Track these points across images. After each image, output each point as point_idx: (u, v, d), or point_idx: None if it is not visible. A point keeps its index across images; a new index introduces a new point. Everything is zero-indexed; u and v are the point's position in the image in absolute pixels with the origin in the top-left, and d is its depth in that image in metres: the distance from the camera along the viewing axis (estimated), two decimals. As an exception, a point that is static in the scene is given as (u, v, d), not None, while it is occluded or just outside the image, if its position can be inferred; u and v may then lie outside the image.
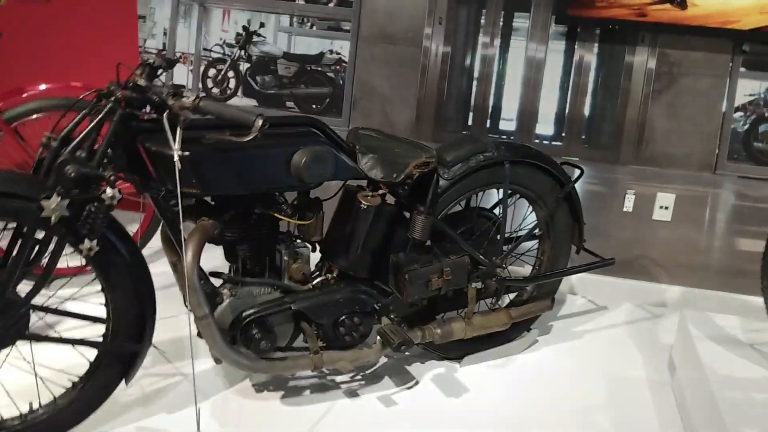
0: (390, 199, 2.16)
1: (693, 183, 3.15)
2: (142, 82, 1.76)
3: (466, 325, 2.33)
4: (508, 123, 3.26)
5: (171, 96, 1.69)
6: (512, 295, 2.63)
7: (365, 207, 2.03)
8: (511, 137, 3.27)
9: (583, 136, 3.20)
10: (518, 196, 2.48)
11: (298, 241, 2.14)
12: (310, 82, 3.35)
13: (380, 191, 2.07)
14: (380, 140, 2.21)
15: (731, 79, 3.02)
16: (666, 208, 3.18)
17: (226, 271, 2.11)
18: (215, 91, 3.36)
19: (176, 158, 1.69)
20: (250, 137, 1.64)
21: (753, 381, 2.10)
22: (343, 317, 2.14)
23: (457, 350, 2.49)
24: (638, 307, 3.04)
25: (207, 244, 1.94)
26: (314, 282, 2.13)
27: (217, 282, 2.04)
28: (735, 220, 3.12)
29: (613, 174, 3.24)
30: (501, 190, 2.39)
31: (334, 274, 2.17)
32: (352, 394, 2.28)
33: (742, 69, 3.01)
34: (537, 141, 3.25)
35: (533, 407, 2.29)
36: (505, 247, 2.40)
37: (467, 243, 2.36)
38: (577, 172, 2.51)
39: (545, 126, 3.23)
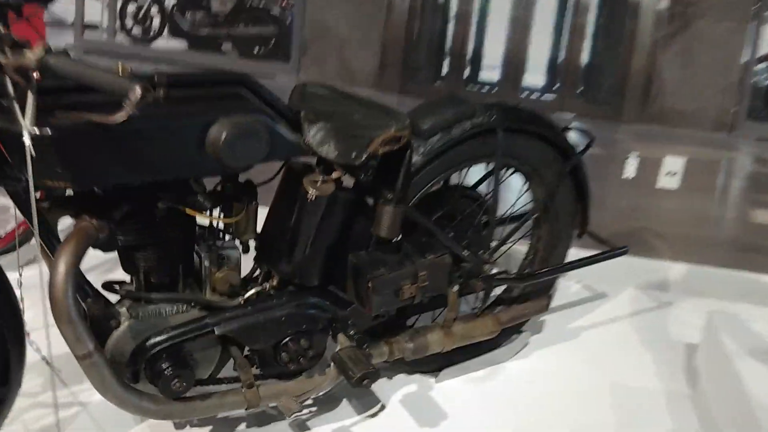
0: (348, 181, 1.62)
1: (706, 145, 2.67)
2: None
3: (445, 336, 1.84)
4: (490, 72, 2.71)
5: (9, 47, 1.11)
6: (499, 289, 2.14)
7: (313, 197, 1.49)
8: (494, 89, 2.72)
9: (580, 88, 2.68)
10: (512, 170, 1.96)
11: (225, 241, 1.59)
12: (250, 21, 2.74)
13: (334, 174, 1.51)
14: (335, 102, 1.64)
15: (755, 24, 2.52)
16: (673, 174, 2.71)
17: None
18: (136, 30, 2.73)
19: (26, 139, 1.13)
20: (122, 115, 1.07)
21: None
22: (287, 339, 1.62)
23: (433, 362, 2.00)
24: (643, 293, 2.59)
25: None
26: (246, 295, 1.60)
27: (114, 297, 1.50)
28: (753, 188, 2.66)
29: (613, 134, 2.75)
30: (491, 165, 1.87)
31: (274, 283, 1.64)
32: (301, 427, 1.79)
33: (771, 9, 2.51)
34: (525, 93, 2.72)
35: (525, 428, 1.83)
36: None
37: (447, 234, 1.85)
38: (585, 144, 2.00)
39: (535, 75, 2.70)
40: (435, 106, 1.75)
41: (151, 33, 2.69)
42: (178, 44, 2.79)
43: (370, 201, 1.64)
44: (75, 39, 2.63)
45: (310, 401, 1.83)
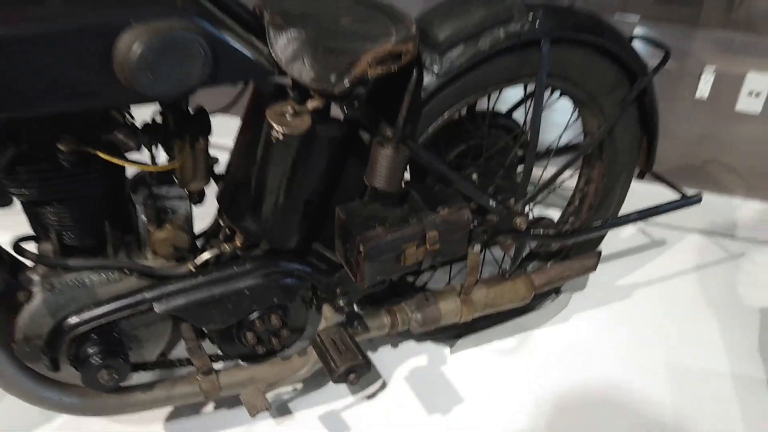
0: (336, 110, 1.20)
1: (803, 59, 2.14)
2: None
3: (463, 303, 1.45)
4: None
5: None
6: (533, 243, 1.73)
7: (281, 135, 1.07)
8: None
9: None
10: (559, 94, 1.50)
11: (167, 188, 1.20)
12: None
13: (309, 104, 1.09)
14: (321, 3, 1.19)
15: None
16: (757, 95, 2.20)
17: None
18: None
19: None
20: None
21: None
22: (252, 317, 1.25)
23: (448, 329, 1.63)
24: (711, 241, 2.15)
25: None
26: (198, 260, 1.22)
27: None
28: None
29: (686, 42, 2.22)
30: (532, 86, 1.42)
31: (238, 243, 1.26)
32: (282, 410, 1.46)
33: None
34: (579, -9, 2.20)
35: (558, 416, 1.48)
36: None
37: (467, 175, 1.44)
38: (657, 60, 1.51)
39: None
40: (456, 5, 1.29)
41: None
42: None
43: (366, 137, 1.23)
44: None
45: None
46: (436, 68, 1.24)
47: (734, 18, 2.16)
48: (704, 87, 2.24)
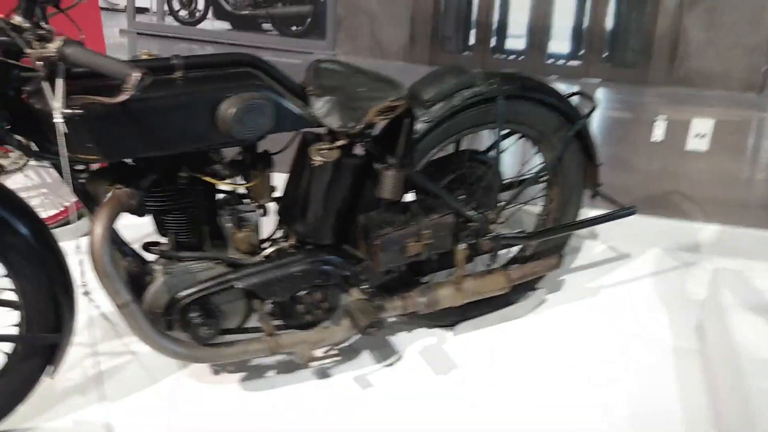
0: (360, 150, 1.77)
1: (735, 106, 2.66)
2: (17, 19, 1.38)
3: (456, 291, 1.98)
4: (516, 40, 2.79)
5: (35, 40, 1.31)
6: (516, 249, 2.26)
7: (318, 163, 1.65)
8: (521, 57, 2.80)
9: (606, 53, 2.72)
10: (520, 136, 2.06)
11: (245, 204, 1.78)
12: (287, 1, 2.91)
13: (338, 142, 1.67)
14: (343, 77, 1.79)
15: (786, -22, 2.49)
16: (702, 136, 2.72)
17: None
18: (183, 13, 2.94)
19: (57, 119, 1.33)
20: (124, 97, 1.26)
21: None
22: (302, 293, 1.80)
23: (450, 316, 2.15)
24: (667, 254, 2.64)
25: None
26: (264, 253, 1.79)
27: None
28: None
29: (640, 97, 2.78)
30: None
31: (292, 242, 1.82)
32: (323, 374, 1.97)
33: (800, -36, 2.47)
34: (551, 60, 2.78)
35: (538, 380, 1.96)
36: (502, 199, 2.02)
37: (456, 195, 1.99)
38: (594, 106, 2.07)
39: (560, 42, 2.75)
40: (437, 77, 1.88)
41: (197, 15, 2.87)
42: (222, 25, 2.98)
43: (378, 166, 1.80)
44: (128, 23, 2.85)
45: (334, 352, 2.02)
46: (424, 118, 1.82)
47: (676, 76, 2.71)
48: (658, 132, 2.77)
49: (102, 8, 2.51)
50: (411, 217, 1.83)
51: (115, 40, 2.88)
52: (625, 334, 2.16)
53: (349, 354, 2.04)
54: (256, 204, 1.78)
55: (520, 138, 2.08)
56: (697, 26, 2.63)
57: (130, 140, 1.47)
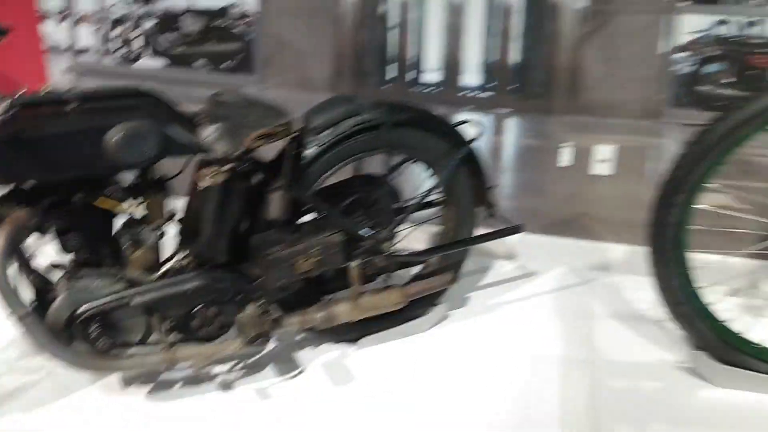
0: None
1: (634, 133, 2.85)
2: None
3: (353, 306, 2.11)
4: (432, 74, 2.97)
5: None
6: (418, 269, 2.40)
7: (204, 186, 1.79)
8: (436, 89, 2.98)
9: (515, 85, 2.90)
10: (413, 160, 2.22)
11: (141, 226, 1.91)
12: (217, 39, 3.08)
13: (225, 167, 1.81)
14: (235, 107, 1.94)
15: (671, 15, 2.69)
16: (605, 161, 2.90)
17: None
18: (121, 53, 3.11)
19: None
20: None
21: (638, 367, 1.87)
22: (197, 309, 1.92)
23: (353, 332, 2.27)
24: (571, 271, 2.79)
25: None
26: (161, 271, 1.91)
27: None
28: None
29: (546, 126, 2.96)
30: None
31: (190, 261, 1.95)
32: (228, 387, 2.08)
33: (687, 2, 2.67)
34: (464, 92, 2.96)
35: (431, 390, 2.08)
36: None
37: (354, 216, 2.13)
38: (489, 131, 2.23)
39: (472, 75, 2.94)
40: (326, 106, 2.04)
41: (134, 54, 3.04)
42: (158, 63, 3.15)
43: (268, 189, 1.94)
44: (71, 62, 3.00)
45: (241, 365, 2.14)
46: (313, 143, 1.97)
47: (578, 106, 2.90)
48: (565, 158, 2.95)
49: (47, 50, 2.67)
50: (302, 236, 1.97)
51: (60, 78, 3.03)
52: (519, 347, 2.29)
53: (255, 367, 2.16)
54: (153, 225, 1.91)
55: (414, 162, 2.23)
56: (595, 61, 2.82)
57: (23, 166, 1.61)
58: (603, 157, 2.89)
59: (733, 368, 1.95)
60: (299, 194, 1.94)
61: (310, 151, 1.98)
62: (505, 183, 3.02)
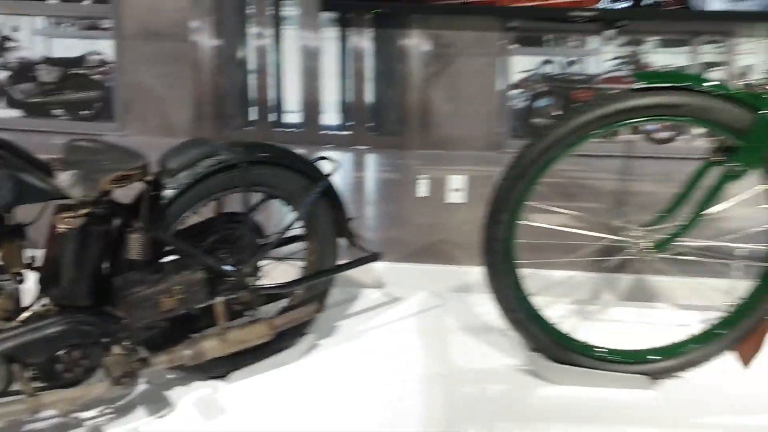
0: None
1: (481, 163, 3.10)
2: None
3: (221, 341, 2.17)
4: (293, 116, 3.11)
5: None
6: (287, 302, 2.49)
7: (62, 230, 1.82)
8: (297, 129, 3.12)
9: (372, 124, 3.09)
10: (273, 197, 2.33)
11: (1, 273, 1.90)
12: (75, 87, 3.08)
13: (81, 211, 1.85)
14: (91, 153, 1.98)
15: (504, 57, 2.98)
16: (458, 190, 3.13)
17: None
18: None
19: None
20: None
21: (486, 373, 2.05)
22: (60, 353, 1.93)
23: (223, 367, 2.33)
24: (432, 295, 2.98)
25: None
26: (20, 317, 1.91)
27: None
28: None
29: (403, 160, 3.15)
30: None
31: (51, 306, 1.95)
32: (96, 430, 2.08)
33: (515, 45, 2.98)
34: (325, 131, 3.11)
35: (303, 417, 2.17)
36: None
37: (218, 254, 2.21)
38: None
39: (331, 115, 3.10)
40: (181, 149, 2.12)
41: (-13, 104, 2.99)
42: (14, 113, 3.11)
43: (127, 230, 1.99)
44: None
45: (111, 408, 2.14)
46: (171, 185, 2.05)
47: (430, 141, 3.12)
48: (422, 189, 3.15)
49: None
50: (164, 276, 2.03)
51: None
52: (384, 368, 2.43)
53: (125, 410, 2.17)
54: (11, 273, 1.90)
55: (274, 199, 2.34)
56: (441, 99, 3.07)
57: None
58: (456, 187, 3.12)
59: (565, 366, 2.19)
60: (159, 234, 2.00)
61: (167, 193, 2.04)
62: (368, 216, 3.19)
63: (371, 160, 3.17)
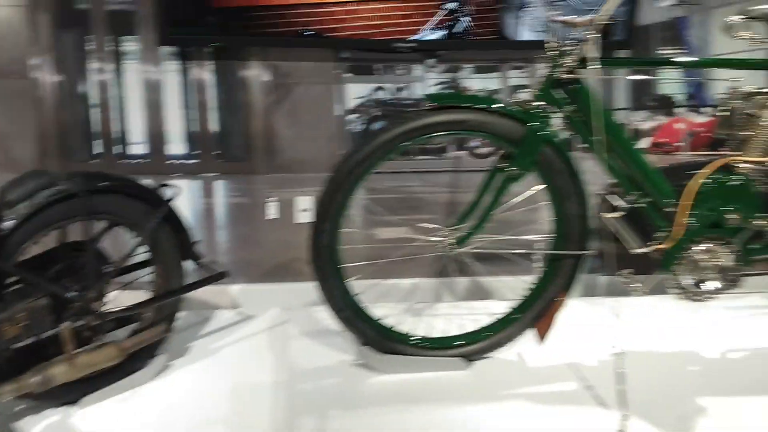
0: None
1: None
2: None
3: (70, 366, 2.22)
4: (139, 146, 3.20)
5: None
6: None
7: None
8: (144, 160, 3.21)
9: (218, 151, 3.23)
10: (116, 224, 2.42)
11: None
12: None
13: None
14: None
15: (340, 85, 3.24)
16: (306, 210, 3.33)
17: None
18: None
19: None
20: None
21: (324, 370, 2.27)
22: None
23: (74, 392, 2.37)
24: (283, 311, 3.14)
25: None
26: None
27: None
28: (371, 213, 3.35)
29: (251, 185, 3.32)
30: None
31: None
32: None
33: (349, 74, 3.24)
34: (172, 161, 3.23)
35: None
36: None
37: (64, 281, 2.27)
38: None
39: (178, 145, 3.22)
40: (21, 181, 2.18)
41: None
42: None
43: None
44: None
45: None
46: (9, 217, 2.11)
47: (276, 165, 3.31)
48: (271, 211, 3.32)
49: None
50: (6, 305, 2.07)
51: None
52: (235, 382, 2.55)
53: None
54: None
55: (117, 226, 2.43)
56: (283, 125, 3.27)
57: None
58: (304, 207, 3.32)
59: (392, 356, 2.44)
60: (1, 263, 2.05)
61: (7, 224, 2.10)
62: (221, 240, 3.31)
63: (220, 186, 3.32)
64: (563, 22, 2.22)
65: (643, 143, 3.86)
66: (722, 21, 2.14)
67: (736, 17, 2.18)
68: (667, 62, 2.55)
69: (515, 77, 3.24)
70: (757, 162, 2.24)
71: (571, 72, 2.20)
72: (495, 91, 3.27)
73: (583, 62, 2.18)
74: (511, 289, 2.83)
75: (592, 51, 2.12)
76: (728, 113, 2.28)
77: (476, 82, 3.28)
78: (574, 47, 2.19)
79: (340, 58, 3.20)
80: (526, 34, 3.06)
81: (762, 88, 2.27)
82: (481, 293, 3.14)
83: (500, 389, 2.34)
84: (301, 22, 2.97)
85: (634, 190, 2.27)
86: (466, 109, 2.22)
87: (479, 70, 3.29)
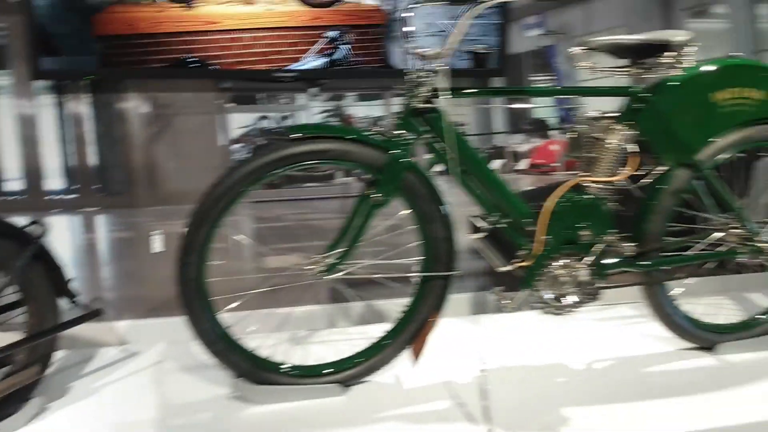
0: None
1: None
2: None
3: None
4: (14, 183, 3.11)
5: None
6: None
7: None
8: (20, 196, 3.12)
9: (98, 185, 3.18)
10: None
11: None
12: None
13: None
14: None
15: (222, 115, 3.25)
16: (193, 242, 3.29)
17: None
18: None
19: None
20: None
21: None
22: None
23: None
24: (170, 345, 3.10)
25: None
26: None
27: None
28: (261, 242, 3.36)
29: (134, 218, 3.27)
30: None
31: None
32: None
33: (232, 104, 3.26)
34: (50, 196, 3.15)
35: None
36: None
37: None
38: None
39: (56, 180, 3.15)
40: None
41: None
42: None
43: None
44: None
45: None
46: None
47: (160, 197, 3.28)
48: (156, 244, 3.28)
49: None
50: None
51: None
52: (108, 418, 2.50)
53: None
54: None
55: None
56: (165, 157, 3.25)
57: None
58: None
59: (267, 386, 2.45)
60: None
61: None
62: (105, 276, 3.24)
63: (102, 221, 3.26)
64: (417, 54, 2.32)
65: (522, 164, 4.04)
66: (565, 51, 2.29)
67: (577, 48, 2.34)
68: (513, 92, 2.71)
69: (398, 104, 3.34)
70: (603, 182, 2.40)
71: (427, 101, 2.30)
72: (379, 118, 3.36)
73: (436, 92, 2.29)
74: (386, 312, 2.90)
75: (442, 82, 2.23)
76: (576, 136, 2.44)
77: (360, 110, 3.36)
78: (428, 78, 2.29)
79: (222, 88, 3.22)
80: (408, 63, 3.17)
81: (606, 113, 2.44)
82: (358, 319, 3.20)
83: (375, 412, 2.38)
84: (183, 49, 2.96)
85: (494, 211, 2.39)
86: (329, 138, 2.28)
87: (363, 98, 3.37)
